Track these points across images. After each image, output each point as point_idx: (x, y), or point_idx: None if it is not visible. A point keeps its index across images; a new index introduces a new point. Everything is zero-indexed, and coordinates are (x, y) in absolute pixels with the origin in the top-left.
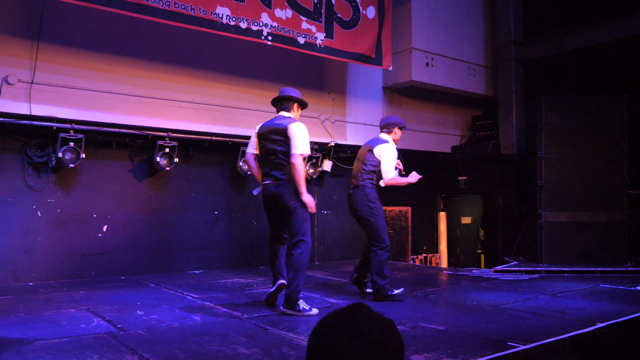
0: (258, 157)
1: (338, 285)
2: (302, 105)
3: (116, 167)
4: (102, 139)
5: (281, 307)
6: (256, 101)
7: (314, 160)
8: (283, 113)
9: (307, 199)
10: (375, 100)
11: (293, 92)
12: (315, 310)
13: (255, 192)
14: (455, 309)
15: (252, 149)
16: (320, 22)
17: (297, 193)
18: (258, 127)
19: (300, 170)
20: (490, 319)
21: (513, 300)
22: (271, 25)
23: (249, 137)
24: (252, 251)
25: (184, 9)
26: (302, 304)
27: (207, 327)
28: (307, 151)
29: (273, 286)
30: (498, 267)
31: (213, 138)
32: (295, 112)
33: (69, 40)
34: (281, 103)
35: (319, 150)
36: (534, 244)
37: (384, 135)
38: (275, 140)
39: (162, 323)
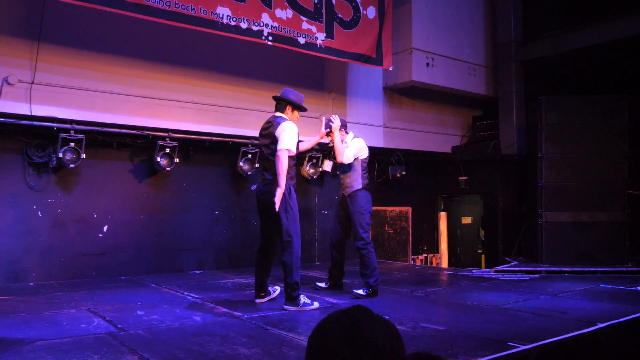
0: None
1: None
2: (296, 107)
3: (117, 168)
4: (102, 139)
5: (285, 307)
6: (256, 101)
7: (314, 161)
8: (276, 113)
9: (279, 193)
10: (376, 100)
11: (290, 93)
12: (316, 304)
13: (253, 187)
14: (456, 309)
15: None
16: (321, 22)
17: (284, 193)
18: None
19: (283, 164)
20: (490, 319)
21: (513, 301)
22: (272, 26)
23: (249, 138)
24: (252, 251)
25: (184, 9)
26: (302, 299)
27: (208, 328)
28: (286, 146)
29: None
30: (498, 267)
31: (213, 138)
32: (289, 114)
33: (69, 40)
34: (277, 103)
35: (320, 150)
36: (534, 244)
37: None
38: (264, 138)
39: (162, 323)
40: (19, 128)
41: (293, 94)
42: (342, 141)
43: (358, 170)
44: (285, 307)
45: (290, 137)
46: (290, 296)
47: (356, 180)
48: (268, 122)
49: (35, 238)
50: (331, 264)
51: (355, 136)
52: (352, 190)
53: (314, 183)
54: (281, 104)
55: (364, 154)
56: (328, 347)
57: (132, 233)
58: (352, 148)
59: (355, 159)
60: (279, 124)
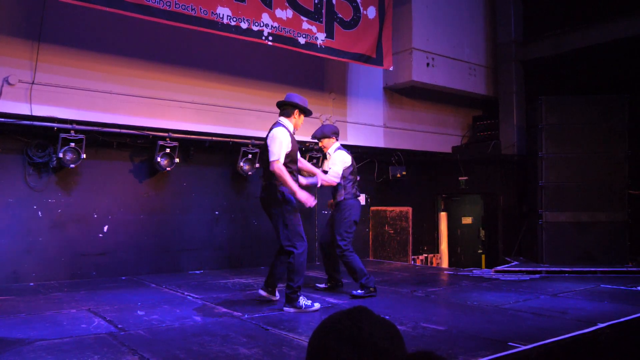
0: None
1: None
2: (304, 111)
3: (117, 168)
4: (102, 140)
5: (284, 309)
6: (257, 102)
7: (314, 161)
8: (280, 118)
9: (302, 196)
10: (376, 100)
11: (296, 97)
12: (317, 305)
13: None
14: (456, 309)
15: None
16: (321, 22)
17: (278, 199)
18: None
19: (281, 174)
20: (490, 319)
21: (514, 301)
22: (272, 26)
23: (249, 138)
24: (252, 251)
25: (184, 9)
26: (302, 301)
27: (208, 328)
28: (275, 158)
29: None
30: (499, 268)
31: (214, 138)
32: (296, 118)
33: (69, 40)
34: (283, 108)
35: (320, 150)
36: (534, 244)
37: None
38: (263, 146)
39: (162, 323)
40: (19, 128)
41: (298, 97)
42: (326, 151)
43: (340, 182)
44: (285, 309)
45: (278, 147)
46: (290, 298)
47: (339, 192)
48: (269, 130)
49: (36, 238)
50: (325, 265)
51: (339, 147)
52: (337, 200)
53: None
54: (288, 108)
55: (348, 164)
56: (329, 348)
57: (132, 233)
58: (336, 167)
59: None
60: (270, 130)
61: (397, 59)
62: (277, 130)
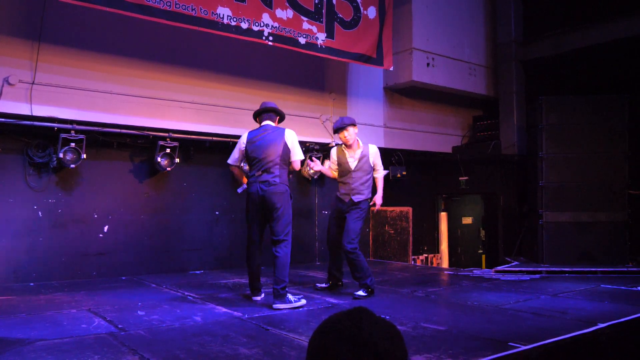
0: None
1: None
2: (282, 118)
3: (117, 168)
4: (103, 140)
5: (274, 305)
6: (257, 102)
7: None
8: (269, 122)
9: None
10: (376, 100)
11: (274, 105)
12: (303, 301)
13: (239, 190)
14: (456, 309)
15: (234, 161)
16: (321, 22)
17: (288, 195)
18: (245, 137)
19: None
20: (491, 319)
21: (514, 301)
22: (272, 26)
23: None
24: None
25: (184, 9)
26: (290, 296)
27: (208, 328)
28: (302, 156)
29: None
30: (499, 268)
31: (214, 138)
32: (276, 124)
33: (69, 40)
34: (269, 115)
35: (320, 150)
36: (534, 244)
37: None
38: (269, 143)
39: (162, 323)
40: (19, 128)
41: (275, 104)
42: (351, 146)
43: (371, 180)
44: (275, 306)
45: (298, 146)
46: (281, 295)
47: (368, 189)
48: (264, 130)
49: (36, 238)
50: (330, 264)
51: (364, 142)
52: (363, 197)
53: (314, 183)
54: (272, 114)
55: None
56: (328, 348)
57: (132, 233)
58: (381, 165)
59: (372, 168)
60: (283, 131)
61: (397, 59)
62: (292, 132)
